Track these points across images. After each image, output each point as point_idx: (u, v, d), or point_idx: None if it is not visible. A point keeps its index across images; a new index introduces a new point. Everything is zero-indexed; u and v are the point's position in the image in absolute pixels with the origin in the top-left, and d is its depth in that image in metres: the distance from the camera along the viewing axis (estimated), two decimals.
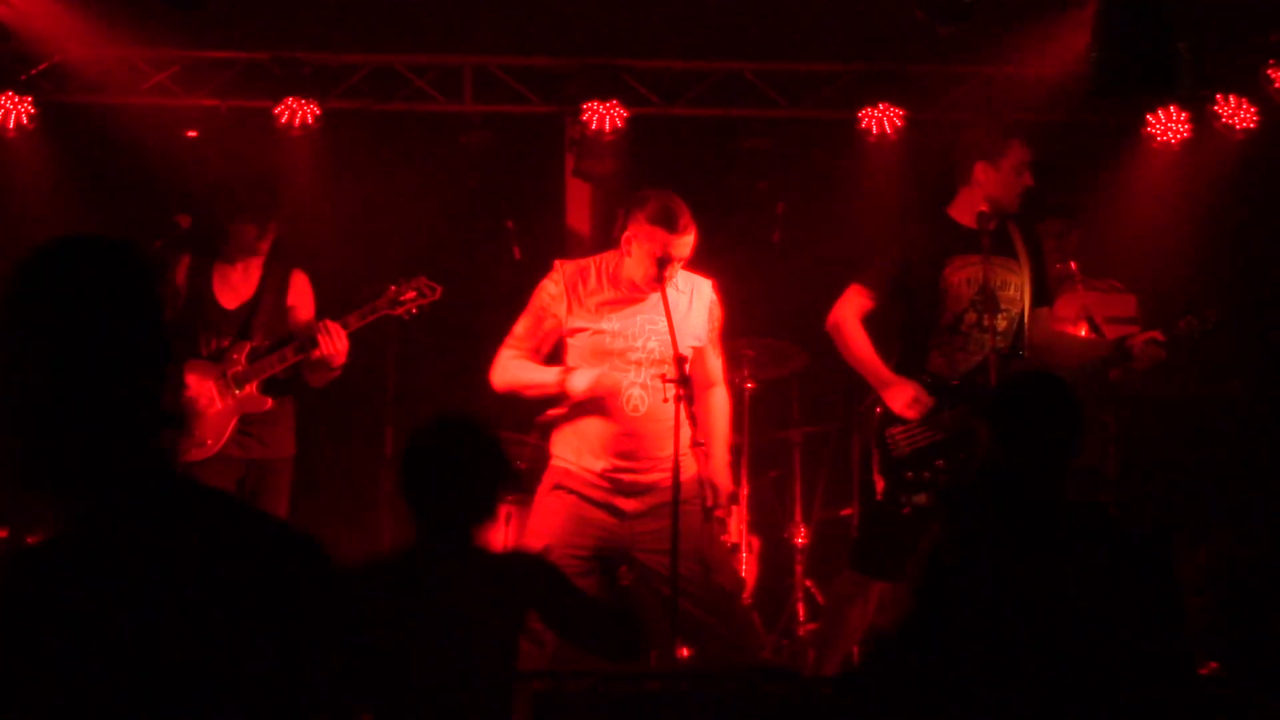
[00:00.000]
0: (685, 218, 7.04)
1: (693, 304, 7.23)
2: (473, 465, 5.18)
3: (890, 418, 7.57)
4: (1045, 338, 7.74)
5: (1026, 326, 7.55)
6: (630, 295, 7.14)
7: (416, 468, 5.20)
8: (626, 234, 7.10)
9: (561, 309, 7.16)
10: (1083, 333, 8.59)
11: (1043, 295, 7.69)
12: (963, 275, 7.53)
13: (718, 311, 7.34)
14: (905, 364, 7.64)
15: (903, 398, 7.50)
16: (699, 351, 7.28)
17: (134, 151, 10.24)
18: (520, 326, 7.28)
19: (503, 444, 5.35)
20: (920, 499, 7.48)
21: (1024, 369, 7.34)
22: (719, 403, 7.43)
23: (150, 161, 10.20)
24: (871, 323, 7.76)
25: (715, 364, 7.41)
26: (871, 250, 7.96)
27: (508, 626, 5.16)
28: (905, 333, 7.73)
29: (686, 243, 7.04)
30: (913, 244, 7.72)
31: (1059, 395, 5.26)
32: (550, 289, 7.21)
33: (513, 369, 7.24)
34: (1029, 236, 7.70)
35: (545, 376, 7.14)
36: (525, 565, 5.40)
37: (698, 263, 7.27)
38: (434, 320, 8.54)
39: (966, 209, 7.62)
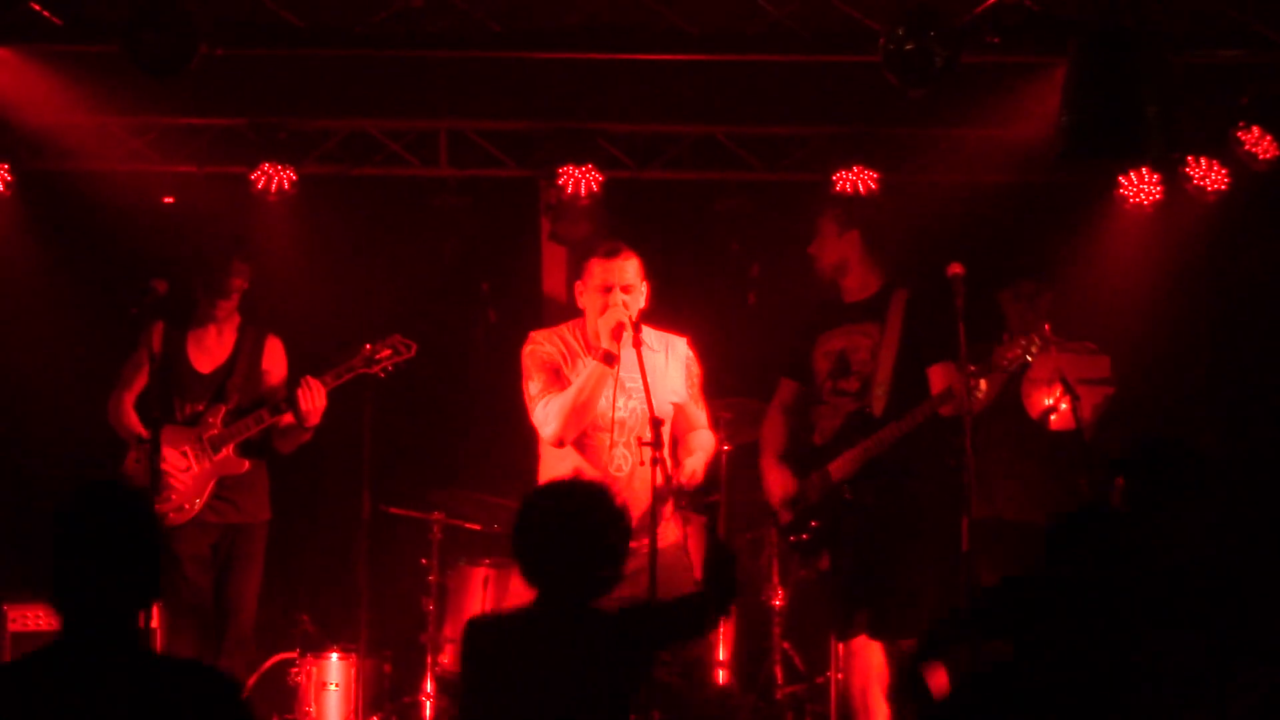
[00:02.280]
0: (622, 246, 7.24)
1: (669, 361, 7.28)
2: (589, 527, 5.22)
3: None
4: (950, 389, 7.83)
5: (888, 385, 7.70)
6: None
7: (533, 534, 5.24)
8: (578, 287, 7.22)
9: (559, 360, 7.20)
10: (1056, 394, 8.63)
11: (928, 355, 7.72)
12: (821, 350, 7.96)
13: (696, 368, 7.41)
14: (804, 438, 8.00)
15: (766, 488, 7.99)
16: (679, 407, 7.31)
17: (111, 218, 10.24)
18: (538, 383, 7.24)
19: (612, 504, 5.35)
20: (817, 562, 7.80)
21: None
22: (701, 434, 7.44)
23: (127, 228, 10.19)
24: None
25: (699, 414, 7.46)
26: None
27: (624, 687, 5.21)
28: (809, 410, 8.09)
29: (625, 267, 7.17)
30: (796, 331, 8.17)
31: None
32: (546, 347, 7.23)
33: (558, 399, 7.15)
34: (917, 303, 7.82)
35: (586, 371, 7.10)
36: (638, 618, 5.38)
37: (672, 323, 7.34)
38: (410, 383, 8.56)
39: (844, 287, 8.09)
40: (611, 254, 7.21)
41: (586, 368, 7.08)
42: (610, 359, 7.01)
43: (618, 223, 10.01)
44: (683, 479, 7.04)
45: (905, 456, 7.63)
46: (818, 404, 7.95)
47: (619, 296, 7.10)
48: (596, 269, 7.19)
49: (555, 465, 7.19)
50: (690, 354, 7.42)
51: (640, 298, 7.23)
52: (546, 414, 7.14)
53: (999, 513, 8.80)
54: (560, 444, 7.13)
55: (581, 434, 7.14)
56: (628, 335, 7.01)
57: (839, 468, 7.69)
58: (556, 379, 7.19)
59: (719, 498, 9.61)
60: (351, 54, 9.07)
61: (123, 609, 4.16)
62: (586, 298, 7.23)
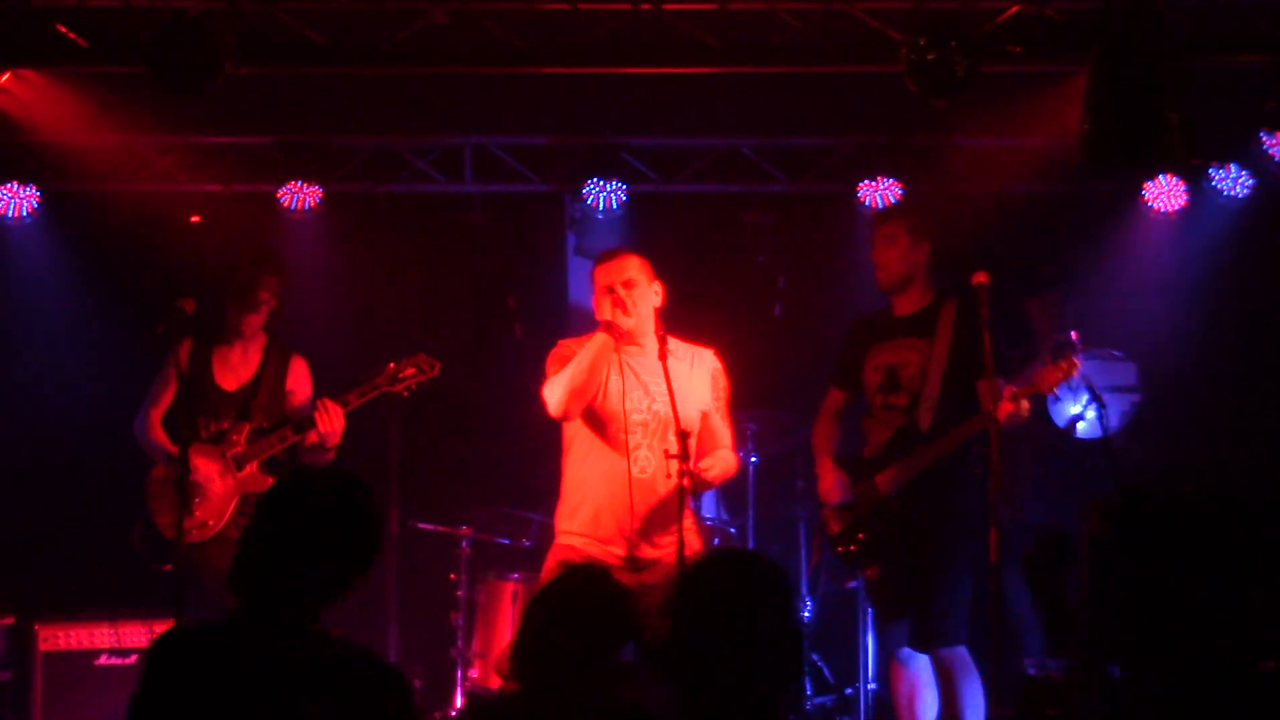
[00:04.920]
0: (619, 248, 7.49)
1: (694, 369, 7.29)
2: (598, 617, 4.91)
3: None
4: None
5: (935, 400, 7.71)
6: (628, 360, 7.20)
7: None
8: (593, 299, 7.37)
9: None
10: (1083, 402, 8.62)
11: (975, 369, 7.59)
12: (873, 363, 7.96)
13: (723, 381, 7.41)
14: (860, 448, 8.00)
15: (821, 488, 7.99)
16: (705, 419, 7.31)
17: (138, 238, 10.29)
18: (553, 371, 7.25)
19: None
20: (863, 573, 7.81)
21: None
22: (722, 451, 7.39)
23: (155, 247, 10.25)
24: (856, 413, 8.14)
25: (724, 433, 7.43)
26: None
27: None
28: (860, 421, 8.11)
29: (623, 265, 7.28)
30: (849, 339, 8.20)
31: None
32: (565, 348, 7.27)
33: (563, 372, 7.15)
34: (965, 316, 7.74)
35: (590, 345, 7.14)
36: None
37: (698, 335, 7.38)
38: (437, 399, 8.57)
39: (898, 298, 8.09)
40: (608, 256, 7.36)
41: (592, 343, 7.14)
42: (610, 327, 7.11)
43: (643, 236, 10.04)
44: (695, 469, 6.99)
45: (951, 471, 7.64)
46: (867, 417, 7.96)
47: (621, 293, 7.17)
48: (598, 274, 7.31)
49: (580, 467, 7.25)
50: (718, 365, 7.42)
51: (649, 294, 7.26)
52: (551, 386, 7.18)
53: (1034, 519, 8.82)
54: (564, 416, 7.18)
55: (605, 433, 7.17)
56: (624, 319, 7.14)
57: (886, 481, 7.71)
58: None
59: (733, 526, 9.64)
60: (376, 71, 9.10)
61: (304, 597, 4.37)
62: (595, 304, 7.32)
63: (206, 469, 8.09)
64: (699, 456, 7.22)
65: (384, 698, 4.25)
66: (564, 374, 7.14)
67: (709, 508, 9.61)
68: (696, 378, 7.29)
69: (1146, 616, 3.47)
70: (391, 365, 8.11)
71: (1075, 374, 7.51)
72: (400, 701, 4.30)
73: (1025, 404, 7.49)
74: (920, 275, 7.95)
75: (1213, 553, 3.50)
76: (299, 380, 8.41)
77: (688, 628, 3.93)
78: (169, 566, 7.58)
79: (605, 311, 7.19)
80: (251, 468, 8.13)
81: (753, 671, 3.85)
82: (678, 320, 7.37)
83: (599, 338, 7.11)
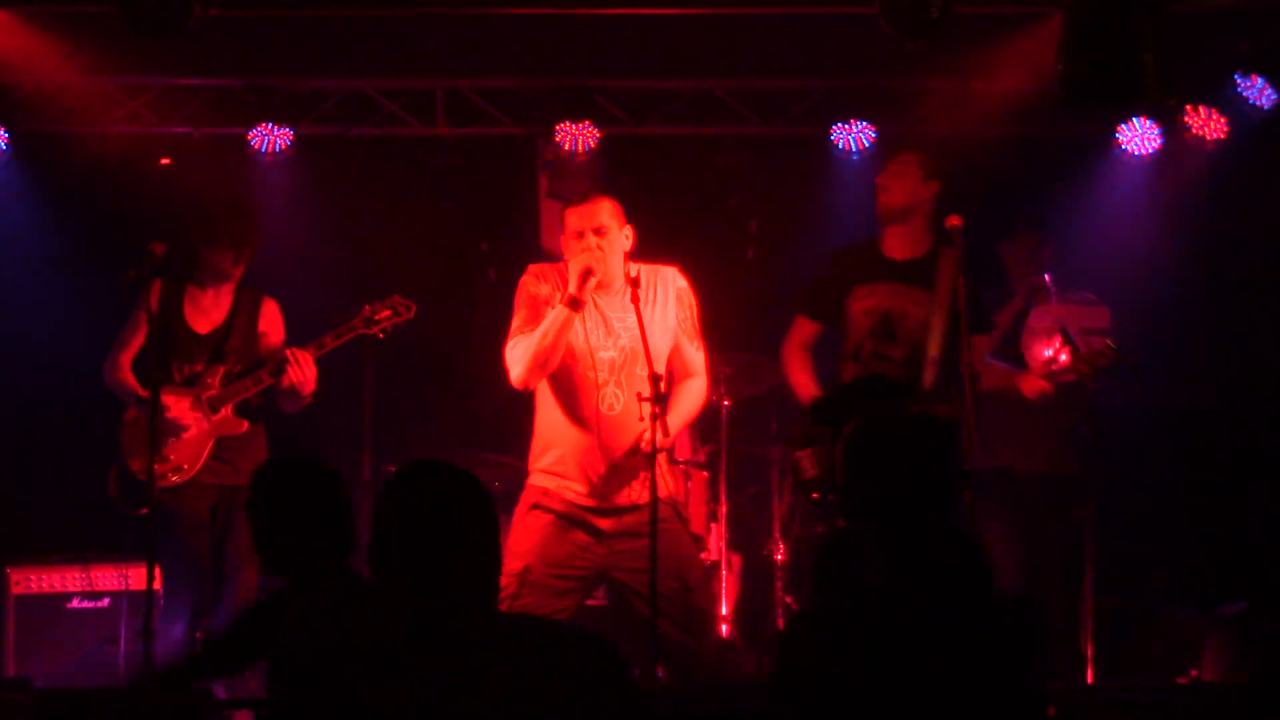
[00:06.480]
0: (592, 191, 7.30)
1: (661, 298, 7.18)
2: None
3: (799, 441, 7.70)
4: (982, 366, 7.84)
5: (935, 357, 7.59)
6: (594, 300, 7.12)
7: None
8: (561, 240, 7.27)
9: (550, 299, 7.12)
10: (1056, 344, 8.62)
11: (972, 324, 7.57)
12: (863, 305, 7.80)
13: (690, 299, 7.26)
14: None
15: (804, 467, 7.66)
16: (675, 345, 7.23)
17: (109, 179, 10.23)
18: (518, 320, 7.12)
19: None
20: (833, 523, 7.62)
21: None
22: (693, 386, 7.33)
23: (125, 189, 10.19)
24: (824, 347, 8.01)
25: (695, 357, 7.31)
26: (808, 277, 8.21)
27: None
28: (834, 357, 7.97)
29: (595, 210, 7.11)
30: (830, 270, 8.02)
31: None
32: (540, 286, 7.16)
33: (525, 342, 7.01)
34: (966, 268, 7.67)
35: (551, 315, 6.97)
36: None
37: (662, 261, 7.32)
38: (410, 343, 8.55)
39: (891, 235, 7.91)
40: (581, 199, 7.18)
41: (555, 313, 6.98)
42: (575, 304, 6.93)
43: (615, 179, 10.01)
44: (648, 442, 6.87)
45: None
46: (849, 361, 7.80)
47: (591, 240, 7.06)
48: (570, 217, 7.14)
49: (549, 408, 7.14)
50: (684, 284, 7.26)
51: (619, 240, 7.12)
52: (514, 355, 7.06)
53: (1009, 464, 8.80)
54: (524, 387, 7.08)
55: (573, 373, 7.04)
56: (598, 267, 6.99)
57: None
58: (535, 318, 7.09)
59: (703, 455, 9.63)
60: (347, 13, 9.04)
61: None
62: (565, 246, 7.19)
63: (180, 412, 8.06)
64: (673, 383, 7.17)
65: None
66: (527, 346, 6.98)
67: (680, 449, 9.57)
68: (666, 307, 7.19)
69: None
70: (367, 308, 8.08)
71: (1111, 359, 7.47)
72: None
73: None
74: (922, 215, 7.79)
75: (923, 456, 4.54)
76: (271, 322, 8.38)
77: (385, 533, 4.05)
78: (145, 511, 7.53)
79: (574, 252, 7.08)
80: (226, 410, 8.10)
81: (452, 578, 3.98)
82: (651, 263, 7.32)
83: (561, 314, 6.92)
